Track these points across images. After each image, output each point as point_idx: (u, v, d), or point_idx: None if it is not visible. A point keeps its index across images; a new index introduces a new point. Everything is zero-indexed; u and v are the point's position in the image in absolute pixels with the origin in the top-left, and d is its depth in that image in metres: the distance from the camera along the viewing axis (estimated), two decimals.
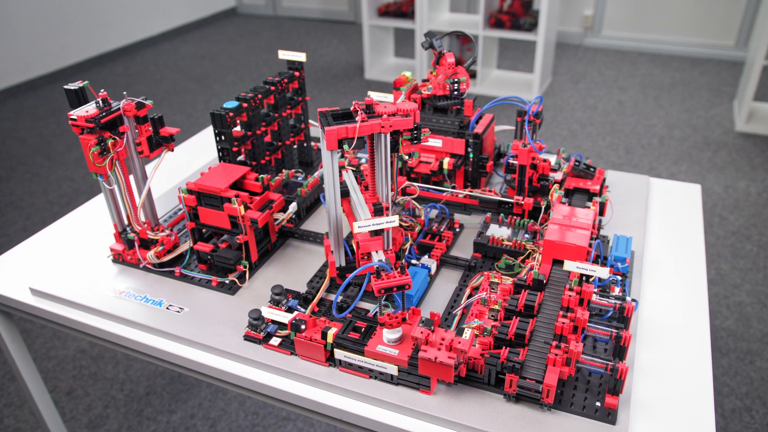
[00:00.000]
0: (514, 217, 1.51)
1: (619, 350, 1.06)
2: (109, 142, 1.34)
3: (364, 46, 5.42)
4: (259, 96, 1.59)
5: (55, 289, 1.42)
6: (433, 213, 1.58)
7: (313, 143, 1.93)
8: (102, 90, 1.34)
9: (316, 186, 1.68)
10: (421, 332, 1.05)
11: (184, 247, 1.49)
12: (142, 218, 1.46)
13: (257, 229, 1.47)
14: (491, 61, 5.37)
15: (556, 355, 1.03)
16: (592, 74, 5.50)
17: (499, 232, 1.47)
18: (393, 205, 1.32)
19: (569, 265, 1.13)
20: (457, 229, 1.57)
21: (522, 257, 1.40)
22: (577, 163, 1.48)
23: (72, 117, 1.29)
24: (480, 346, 1.12)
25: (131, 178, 1.43)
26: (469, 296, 1.32)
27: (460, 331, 1.17)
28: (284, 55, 1.71)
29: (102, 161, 1.34)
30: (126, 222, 1.48)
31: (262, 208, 1.40)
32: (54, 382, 2.54)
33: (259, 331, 1.24)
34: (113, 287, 1.42)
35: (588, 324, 1.09)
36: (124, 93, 1.39)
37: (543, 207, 1.50)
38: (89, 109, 1.32)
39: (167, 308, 1.35)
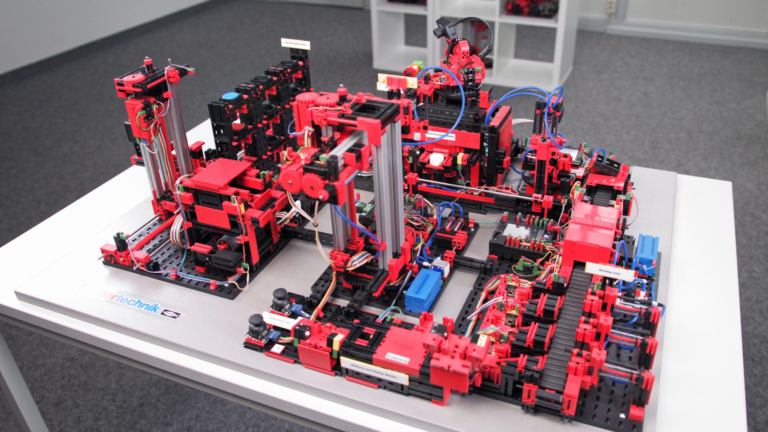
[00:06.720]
0: (533, 217, 1.51)
1: (645, 358, 1.06)
2: (154, 107, 1.48)
3: (373, 33, 5.42)
4: (261, 87, 1.60)
5: (43, 293, 1.43)
6: (446, 212, 1.58)
7: None
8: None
9: None
10: (434, 339, 1.05)
11: None
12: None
13: (258, 229, 1.47)
14: (508, 49, 5.36)
15: (578, 363, 1.03)
16: (616, 64, 5.48)
17: (516, 232, 1.48)
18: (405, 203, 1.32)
19: (591, 268, 1.13)
20: (472, 229, 1.58)
21: (541, 259, 1.40)
22: (599, 159, 1.47)
23: (119, 82, 1.46)
24: (496, 353, 1.13)
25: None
26: (485, 301, 1.32)
27: (475, 338, 1.17)
28: (287, 43, 1.72)
29: (147, 126, 1.50)
30: (164, 189, 1.61)
31: (263, 206, 1.41)
32: (41, 393, 2.56)
33: (260, 337, 1.24)
34: (104, 291, 1.43)
35: (611, 330, 1.08)
36: (169, 59, 1.54)
37: (563, 205, 1.50)
38: (136, 74, 1.48)
39: (162, 313, 1.35)
